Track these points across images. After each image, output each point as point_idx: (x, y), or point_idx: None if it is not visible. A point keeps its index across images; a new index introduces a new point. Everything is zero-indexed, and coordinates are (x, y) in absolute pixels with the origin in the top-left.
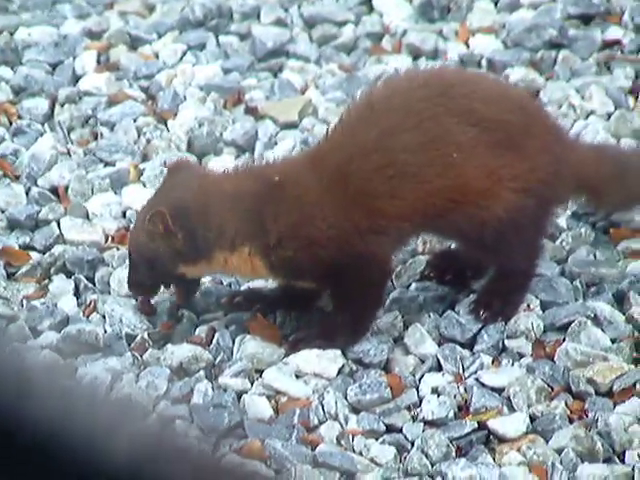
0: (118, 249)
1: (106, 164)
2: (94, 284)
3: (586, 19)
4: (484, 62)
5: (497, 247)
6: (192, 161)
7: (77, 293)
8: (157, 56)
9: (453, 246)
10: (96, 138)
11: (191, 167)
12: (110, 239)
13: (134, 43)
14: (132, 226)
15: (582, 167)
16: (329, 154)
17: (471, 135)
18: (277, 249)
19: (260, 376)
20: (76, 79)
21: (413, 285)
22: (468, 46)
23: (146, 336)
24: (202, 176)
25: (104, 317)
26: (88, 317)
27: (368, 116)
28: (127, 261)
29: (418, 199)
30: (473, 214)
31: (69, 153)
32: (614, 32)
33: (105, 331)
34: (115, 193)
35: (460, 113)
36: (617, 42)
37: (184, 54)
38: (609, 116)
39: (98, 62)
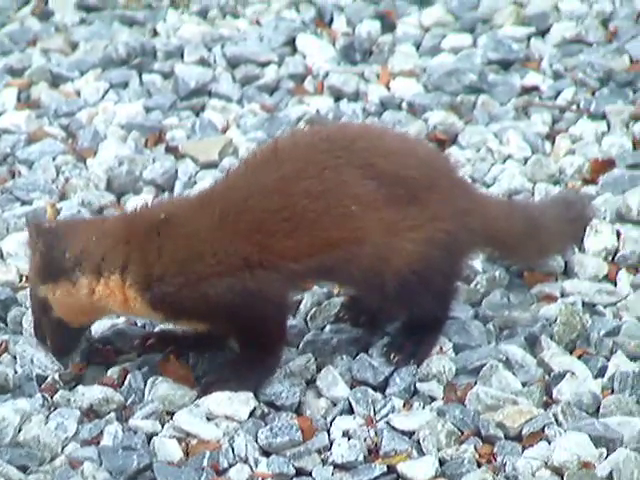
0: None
1: (23, 203)
2: (6, 324)
3: (505, 64)
4: (404, 105)
5: (401, 298)
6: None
7: None
8: (79, 94)
9: None
10: (14, 177)
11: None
12: (24, 279)
13: (56, 81)
14: None
15: (492, 221)
16: (225, 192)
17: (370, 188)
18: (159, 284)
19: (171, 418)
20: None
21: (327, 327)
22: (389, 89)
23: (57, 377)
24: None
25: (15, 358)
26: None
27: (271, 161)
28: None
29: (312, 245)
30: (372, 266)
31: None
32: (533, 78)
33: (15, 372)
34: None
35: (360, 166)
36: (535, 88)
37: (106, 92)
38: (526, 161)
39: (19, 99)
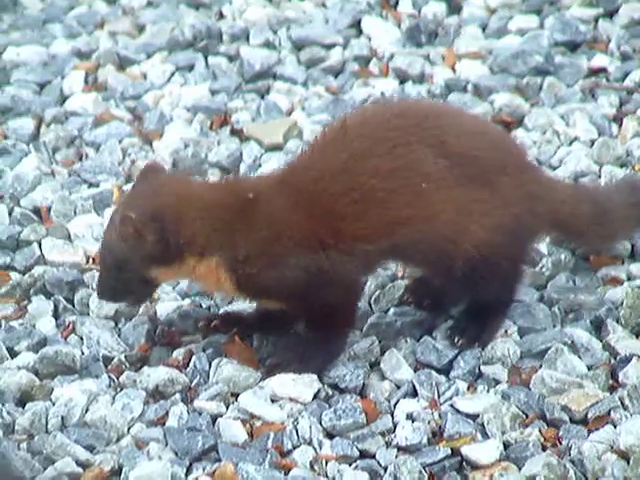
0: (98, 271)
1: (90, 185)
2: (73, 305)
3: (572, 46)
4: (470, 87)
5: (467, 280)
6: (163, 166)
7: (56, 314)
8: (145, 77)
9: None
10: (81, 159)
11: (163, 172)
12: (91, 260)
13: (122, 63)
14: (104, 230)
15: (560, 206)
16: (299, 173)
17: (441, 167)
18: (244, 265)
19: (235, 400)
20: (63, 99)
21: (391, 310)
22: (455, 71)
23: (123, 358)
24: (176, 183)
25: (82, 339)
26: (66, 338)
27: (340, 139)
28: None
29: (384, 225)
30: (441, 247)
31: (53, 174)
32: (600, 60)
33: (82, 353)
34: (98, 214)
35: (432, 144)
36: (603, 70)
37: (172, 75)
38: (592, 143)
39: (86, 82)
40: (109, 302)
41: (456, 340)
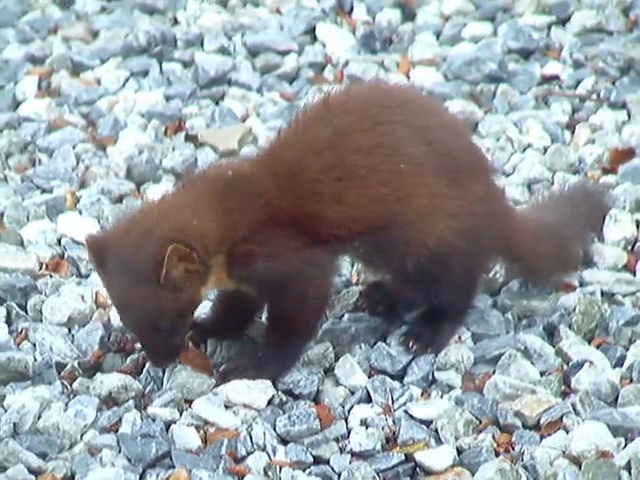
0: (51, 277)
1: (43, 191)
2: (26, 312)
3: (526, 53)
4: (424, 94)
5: (422, 284)
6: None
7: (9, 320)
8: (99, 82)
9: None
10: (34, 164)
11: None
12: (44, 267)
13: (76, 69)
14: (121, 291)
15: (518, 238)
16: (281, 152)
17: (421, 151)
18: (242, 243)
19: (189, 406)
20: (16, 105)
21: (346, 316)
22: (409, 78)
23: (76, 365)
24: (152, 206)
25: (35, 345)
26: (19, 345)
27: (323, 116)
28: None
29: (361, 205)
30: (405, 237)
31: (6, 179)
32: (553, 67)
33: (35, 359)
34: (51, 220)
35: (414, 128)
36: (556, 77)
37: (126, 81)
38: (545, 150)
39: (39, 88)
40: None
41: (410, 345)
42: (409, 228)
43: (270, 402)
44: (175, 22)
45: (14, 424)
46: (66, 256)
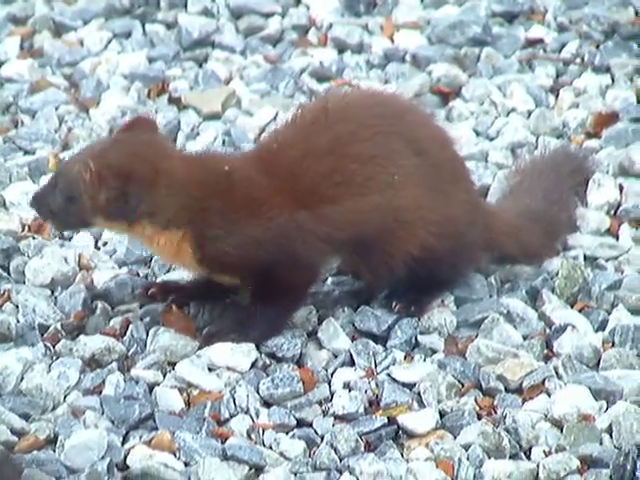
0: (34, 238)
1: (25, 152)
2: (9, 273)
3: (510, 17)
4: (408, 57)
5: (410, 279)
6: (154, 122)
7: None
8: (82, 43)
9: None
10: (16, 126)
11: (151, 131)
12: (27, 228)
13: (59, 30)
14: (74, 153)
15: (495, 236)
16: (278, 153)
17: (412, 163)
18: (215, 242)
19: (173, 368)
20: None
21: (329, 279)
22: (393, 41)
23: (59, 327)
24: (153, 147)
25: (17, 307)
26: (1, 307)
27: (322, 121)
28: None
29: (356, 211)
30: (389, 246)
31: None
32: (537, 31)
33: (18, 321)
34: (33, 182)
35: (409, 139)
36: (540, 41)
37: (109, 42)
38: (529, 114)
39: (21, 48)
40: (36, 212)
41: (393, 305)
42: (392, 238)
43: (253, 365)
44: None
45: None
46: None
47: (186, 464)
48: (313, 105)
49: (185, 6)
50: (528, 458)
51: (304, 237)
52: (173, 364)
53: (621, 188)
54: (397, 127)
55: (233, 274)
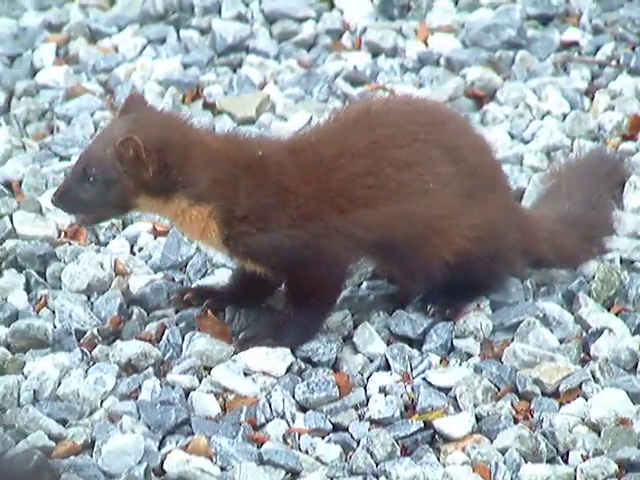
0: (70, 244)
1: (61, 158)
2: (45, 279)
3: (545, 20)
4: (442, 61)
5: (447, 283)
6: (145, 99)
7: (28, 288)
8: (117, 50)
9: None
10: (52, 132)
11: (146, 107)
12: (63, 234)
13: (94, 36)
14: (94, 137)
15: (533, 243)
16: (315, 147)
17: (449, 172)
18: (240, 223)
19: (209, 373)
20: (34, 72)
21: (364, 284)
22: (427, 45)
23: (95, 332)
24: (181, 121)
25: (54, 312)
26: (38, 312)
27: (364, 122)
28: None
29: (387, 215)
30: (423, 252)
31: (24, 147)
32: (572, 33)
33: (55, 326)
34: None
35: (447, 148)
36: (575, 43)
37: (144, 48)
38: (565, 117)
39: (57, 55)
40: (63, 210)
41: (428, 308)
42: (427, 245)
43: (289, 369)
44: None
45: (34, 391)
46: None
47: (222, 469)
48: (356, 106)
49: (219, 12)
50: (565, 462)
51: (329, 232)
52: (209, 369)
53: None
54: (436, 135)
55: (256, 260)
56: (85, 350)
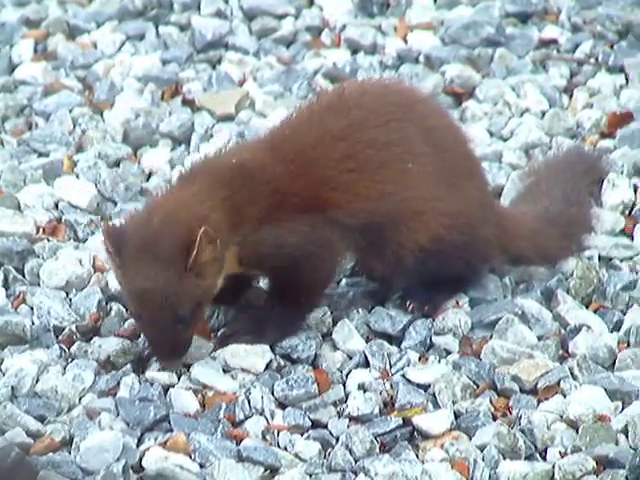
0: (49, 240)
1: (40, 154)
2: (23, 275)
3: (524, 17)
4: (421, 58)
5: (420, 273)
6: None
7: (6, 284)
8: (95, 46)
9: None
10: (30, 128)
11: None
12: (41, 231)
13: (72, 32)
14: (142, 280)
15: (509, 237)
16: (292, 139)
17: (426, 151)
18: (252, 233)
19: (187, 370)
20: (12, 68)
21: (343, 280)
22: (406, 42)
23: (74, 329)
24: (163, 199)
25: (32, 309)
26: (16, 309)
27: (338, 107)
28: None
29: (369, 198)
30: (400, 235)
31: (2, 143)
32: (551, 31)
33: (33, 323)
34: (48, 184)
35: (422, 128)
36: (554, 41)
37: (123, 44)
38: (543, 114)
39: (35, 51)
40: (172, 362)
41: (407, 304)
42: (404, 227)
43: (268, 366)
44: None
45: (12, 387)
46: (63, 220)
47: (201, 466)
48: (328, 92)
49: (198, 8)
50: (544, 459)
51: (324, 224)
52: (188, 366)
53: (635, 188)
54: (410, 115)
55: (262, 267)
56: (63, 347)
